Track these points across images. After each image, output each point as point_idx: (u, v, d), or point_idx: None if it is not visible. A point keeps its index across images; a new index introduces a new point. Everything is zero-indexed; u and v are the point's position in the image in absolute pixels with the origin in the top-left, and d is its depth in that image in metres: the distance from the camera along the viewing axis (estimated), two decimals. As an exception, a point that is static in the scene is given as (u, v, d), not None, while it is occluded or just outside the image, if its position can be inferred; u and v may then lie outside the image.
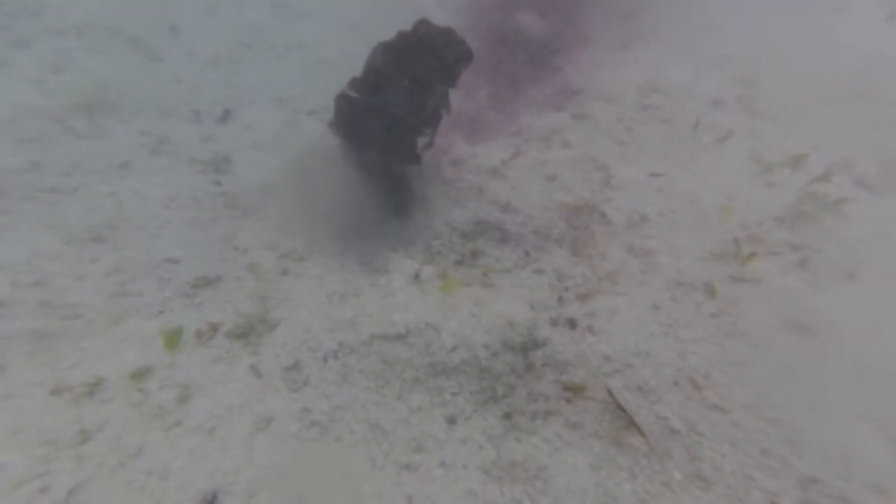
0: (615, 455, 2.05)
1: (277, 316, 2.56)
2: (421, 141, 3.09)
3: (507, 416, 2.17)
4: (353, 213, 3.07)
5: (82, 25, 4.49)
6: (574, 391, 2.27)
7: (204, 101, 4.00)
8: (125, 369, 2.17)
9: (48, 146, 3.33)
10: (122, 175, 3.25)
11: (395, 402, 2.21)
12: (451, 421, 2.17)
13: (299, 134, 3.81)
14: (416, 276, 2.79)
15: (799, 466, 1.98)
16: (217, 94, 4.09)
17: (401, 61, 2.99)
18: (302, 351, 2.40)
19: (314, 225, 3.06)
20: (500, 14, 4.97)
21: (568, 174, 3.55)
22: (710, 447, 2.06)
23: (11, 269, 2.56)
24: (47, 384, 2.10)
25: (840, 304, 2.59)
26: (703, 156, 3.69)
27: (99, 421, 1.99)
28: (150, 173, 3.30)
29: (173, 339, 2.27)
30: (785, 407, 2.18)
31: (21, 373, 2.14)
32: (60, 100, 3.67)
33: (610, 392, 2.24)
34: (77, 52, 4.21)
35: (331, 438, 2.06)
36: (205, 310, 2.53)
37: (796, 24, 5.26)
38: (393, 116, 2.93)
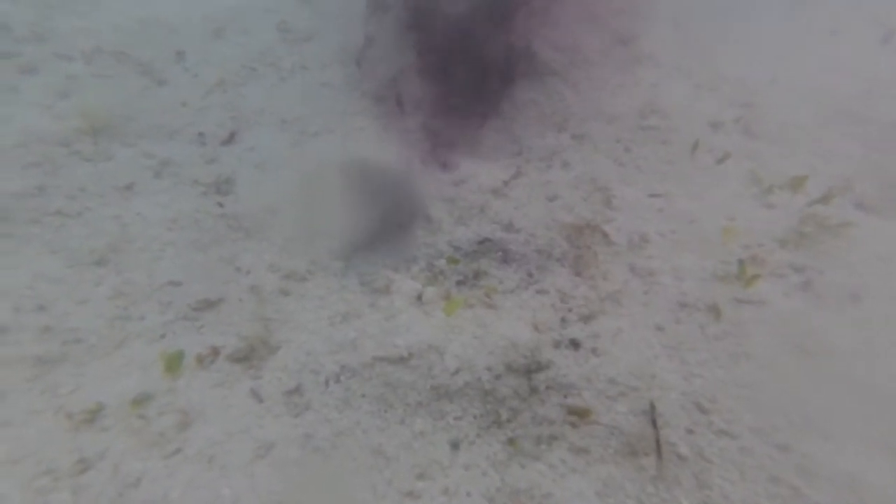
0: (622, 482, 2.01)
1: (279, 338, 2.54)
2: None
3: (511, 442, 2.14)
4: (364, 230, 3.09)
5: (90, 51, 4.58)
6: (579, 415, 2.25)
7: (208, 124, 4.05)
8: (126, 395, 2.15)
9: (54, 170, 3.36)
10: (126, 198, 3.27)
11: (397, 427, 2.19)
12: (455, 446, 2.14)
13: (303, 155, 3.85)
14: (419, 297, 2.79)
15: (809, 494, 1.94)
16: (221, 116, 4.15)
17: None
18: (304, 374, 2.38)
19: (319, 244, 3.07)
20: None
21: (569, 194, 3.57)
22: (719, 474, 2.02)
23: (14, 293, 2.56)
24: (47, 411, 2.08)
25: (845, 327, 2.57)
26: (701, 177, 3.71)
27: (98, 449, 1.97)
28: (153, 195, 3.32)
29: (174, 363, 2.25)
30: (793, 432, 2.15)
31: (21, 400, 2.12)
32: (67, 124, 3.72)
33: (653, 406, 2.20)
34: (84, 78, 4.28)
35: (332, 465, 2.03)
36: (206, 333, 2.52)
37: (793, 46, 5.35)
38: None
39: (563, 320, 2.71)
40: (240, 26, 5.32)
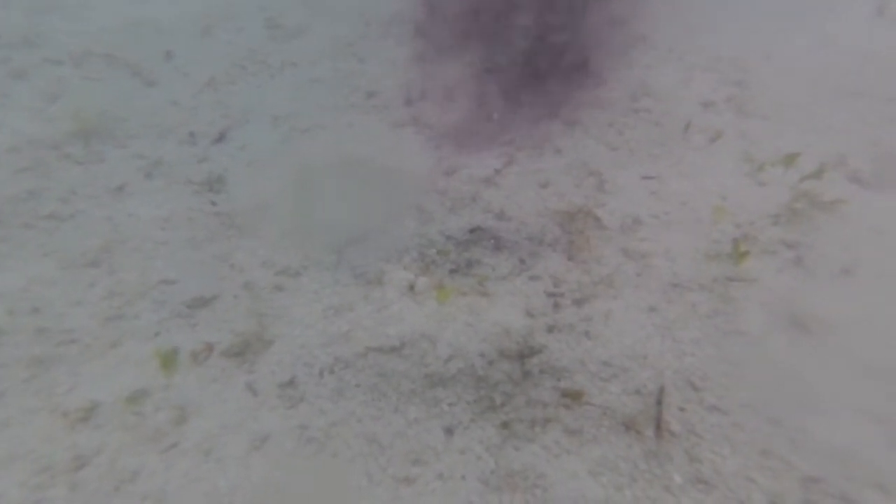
0: (615, 460, 2.03)
1: (273, 333, 2.56)
2: None
3: (505, 425, 2.16)
4: (357, 223, 3.10)
5: (79, 54, 4.58)
6: (572, 397, 2.26)
7: (199, 123, 4.05)
8: (121, 393, 2.18)
9: (46, 174, 3.38)
10: (118, 199, 3.29)
11: (391, 415, 2.21)
12: (449, 432, 2.16)
13: (295, 152, 3.85)
14: (411, 287, 2.80)
15: (800, 466, 1.95)
16: (212, 115, 4.15)
17: None
18: (298, 367, 2.40)
19: (312, 239, 3.08)
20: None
21: (561, 180, 3.57)
22: (710, 449, 2.03)
23: (10, 296, 2.59)
24: (44, 410, 2.11)
25: (837, 301, 2.57)
26: (694, 157, 3.69)
27: (94, 446, 2.00)
28: (145, 196, 3.34)
29: (169, 360, 2.27)
30: (785, 406, 2.16)
31: (18, 400, 2.15)
32: (58, 128, 3.74)
33: (662, 389, 2.21)
34: (74, 81, 4.29)
35: (327, 455, 2.05)
36: (201, 330, 2.54)
37: (786, 22, 5.28)
38: None
39: (556, 305, 2.72)
40: (229, 24, 5.30)
